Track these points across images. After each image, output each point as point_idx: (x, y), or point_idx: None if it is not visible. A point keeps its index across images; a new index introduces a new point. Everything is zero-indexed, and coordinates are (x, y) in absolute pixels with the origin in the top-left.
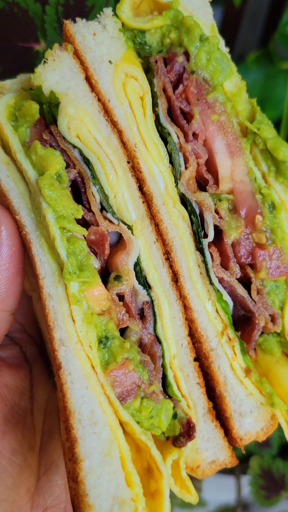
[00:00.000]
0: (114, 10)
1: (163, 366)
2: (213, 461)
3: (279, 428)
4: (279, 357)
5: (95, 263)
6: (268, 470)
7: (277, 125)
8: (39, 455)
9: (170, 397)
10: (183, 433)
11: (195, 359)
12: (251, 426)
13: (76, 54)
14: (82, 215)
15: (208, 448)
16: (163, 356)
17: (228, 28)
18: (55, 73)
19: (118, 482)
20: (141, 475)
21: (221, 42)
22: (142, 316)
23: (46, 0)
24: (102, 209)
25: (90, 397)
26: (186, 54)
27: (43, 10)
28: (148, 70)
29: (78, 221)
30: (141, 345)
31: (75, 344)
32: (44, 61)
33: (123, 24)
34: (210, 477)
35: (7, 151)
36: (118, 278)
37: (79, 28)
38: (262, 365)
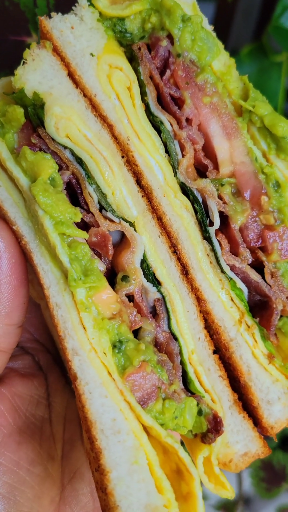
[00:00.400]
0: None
1: (182, 363)
2: (246, 453)
3: None
4: None
5: (100, 266)
6: (268, 462)
7: None
8: (61, 464)
9: (192, 394)
10: (211, 429)
11: (215, 352)
12: (280, 413)
13: (56, 51)
14: (81, 217)
15: (239, 441)
16: (180, 352)
17: (221, 22)
18: (36, 73)
19: (149, 489)
20: (171, 478)
21: (205, 20)
22: (154, 314)
23: None
24: (101, 208)
25: (110, 405)
26: (170, 37)
27: (34, 3)
28: (132, 59)
29: (78, 224)
30: (157, 344)
31: (88, 352)
32: (23, 61)
33: (100, 13)
34: None
35: None
36: (125, 278)
37: (55, 23)
38: (284, 349)
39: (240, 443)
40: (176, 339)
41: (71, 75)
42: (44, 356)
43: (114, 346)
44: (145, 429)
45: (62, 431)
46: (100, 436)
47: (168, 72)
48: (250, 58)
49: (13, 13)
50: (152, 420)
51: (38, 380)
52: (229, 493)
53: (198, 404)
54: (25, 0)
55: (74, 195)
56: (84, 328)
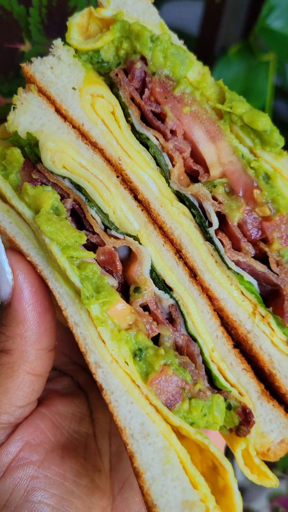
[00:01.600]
0: (64, 39)
1: (204, 362)
2: (282, 441)
3: None
4: None
5: (111, 282)
6: None
7: None
8: (110, 476)
9: (220, 390)
10: (242, 421)
11: (235, 346)
12: None
13: (41, 91)
14: (89, 239)
15: (273, 429)
16: (201, 352)
17: (210, 21)
18: (26, 115)
19: (184, 486)
20: (208, 475)
21: (173, 36)
22: (172, 320)
23: (29, 2)
24: (106, 228)
25: (137, 411)
26: (143, 59)
27: (27, 12)
28: (113, 85)
29: (87, 246)
30: (178, 348)
31: (110, 364)
32: (13, 107)
33: (76, 50)
34: None
35: (4, 199)
36: (137, 289)
37: (36, 67)
38: None
39: (274, 432)
40: (195, 340)
41: (58, 110)
42: (83, 376)
43: (135, 355)
44: (179, 434)
45: (108, 445)
46: (131, 441)
47: (147, 91)
48: (238, 58)
49: (7, 22)
50: (180, 419)
51: (79, 399)
52: (273, 482)
53: (226, 400)
54: (19, 9)
55: (80, 219)
56: (103, 341)
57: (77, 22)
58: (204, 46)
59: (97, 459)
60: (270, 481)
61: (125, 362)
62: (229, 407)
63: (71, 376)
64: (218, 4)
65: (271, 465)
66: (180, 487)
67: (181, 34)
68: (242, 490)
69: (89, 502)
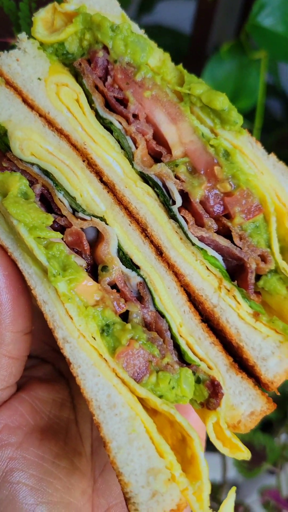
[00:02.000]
0: (29, 33)
1: (173, 337)
2: (252, 413)
3: None
4: (286, 294)
5: (78, 261)
6: (249, 443)
7: (251, 114)
8: (92, 459)
9: (189, 365)
10: (211, 393)
11: (202, 321)
12: (277, 366)
13: (8, 83)
14: (57, 222)
15: (243, 402)
16: (169, 328)
17: (203, 20)
18: None
19: (149, 455)
20: (178, 446)
21: (134, 26)
22: (140, 297)
23: None
24: (74, 211)
25: (103, 383)
26: (105, 48)
27: (17, 7)
28: (78, 74)
29: (56, 229)
30: (147, 325)
31: (77, 339)
32: None
33: (42, 43)
34: None
35: None
36: (105, 268)
37: (3, 60)
38: (274, 307)
39: (244, 404)
40: (163, 316)
41: (25, 100)
42: (64, 363)
43: (102, 331)
44: (151, 410)
45: (90, 430)
46: (97, 412)
47: (109, 78)
48: (229, 56)
49: None
50: (146, 391)
51: (60, 385)
52: (245, 454)
53: (195, 373)
54: (9, 4)
55: (49, 204)
56: (70, 317)
57: (42, 17)
58: (197, 45)
59: (78, 443)
60: (242, 453)
61: (93, 337)
62: (198, 381)
63: (53, 364)
64: (211, 3)
65: (261, 458)
66: (145, 455)
67: (174, 33)
68: (235, 486)
69: (68, 483)
